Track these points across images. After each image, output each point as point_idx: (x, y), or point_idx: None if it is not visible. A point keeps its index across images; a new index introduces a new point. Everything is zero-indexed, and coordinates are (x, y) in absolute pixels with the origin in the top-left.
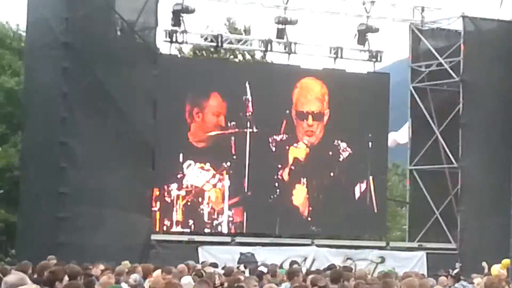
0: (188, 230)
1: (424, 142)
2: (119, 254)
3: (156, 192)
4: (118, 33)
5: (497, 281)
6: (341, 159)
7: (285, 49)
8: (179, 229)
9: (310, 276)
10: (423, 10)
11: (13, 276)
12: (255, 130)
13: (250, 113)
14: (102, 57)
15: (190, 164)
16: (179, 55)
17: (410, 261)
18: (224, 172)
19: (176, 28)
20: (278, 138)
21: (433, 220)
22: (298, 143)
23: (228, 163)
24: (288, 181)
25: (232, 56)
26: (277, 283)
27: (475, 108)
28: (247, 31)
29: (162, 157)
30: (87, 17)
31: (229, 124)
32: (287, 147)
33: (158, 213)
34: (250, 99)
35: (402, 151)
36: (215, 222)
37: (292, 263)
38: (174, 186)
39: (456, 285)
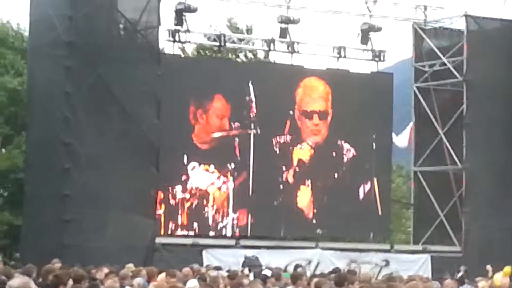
0: (192, 233)
1: (428, 142)
2: (123, 256)
3: (161, 195)
4: (121, 32)
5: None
6: (345, 160)
7: (288, 48)
8: (183, 232)
9: (314, 280)
10: (425, 9)
11: (18, 279)
12: (258, 131)
13: (253, 114)
14: (105, 57)
15: (194, 167)
16: (182, 55)
17: (415, 264)
18: (229, 174)
19: (178, 27)
20: (281, 139)
21: (437, 223)
22: (302, 144)
23: (233, 165)
24: (293, 183)
25: (234, 56)
26: (281, 287)
27: (479, 108)
28: (249, 31)
29: (166, 158)
30: (90, 16)
31: (233, 126)
32: (291, 148)
33: (162, 216)
34: (253, 100)
35: (406, 152)
36: (220, 225)
37: (297, 266)
38: (178, 188)
39: None
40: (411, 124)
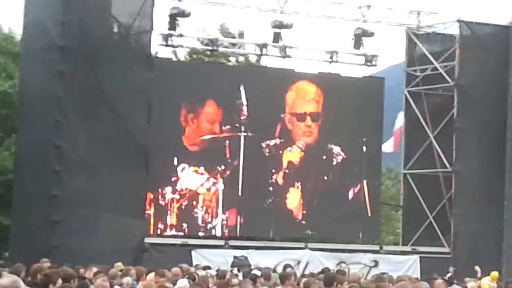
0: (181, 234)
1: (418, 146)
2: (112, 257)
3: (150, 195)
4: (114, 37)
5: None
6: (334, 163)
7: (280, 53)
8: (173, 232)
9: (303, 280)
10: (419, 14)
11: (7, 278)
12: (249, 134)
13: (244, 117)
14: (98, 61)
15: (184, 168)
16: (174, 59)
17: (404, 265)
18: (218, 175)
19: (172, 31)
20: (271, 143)
21: (426, 224)
22: (293, 146)
23: (223, 167)
24: (282, 184)
25: (226, 60)
26: (270, 287)
27: (470, 112)
28: (241, 35)
29: (157, 160)
30: (83, 20)
31: (223, 128)
32: (281, 151)
33: (152, 217)
34: (244, 103)
35: (396, 155)
36: (209, 225)
37: (286, 266)
38: (168, 189)
39: None
40: (396, 129)
